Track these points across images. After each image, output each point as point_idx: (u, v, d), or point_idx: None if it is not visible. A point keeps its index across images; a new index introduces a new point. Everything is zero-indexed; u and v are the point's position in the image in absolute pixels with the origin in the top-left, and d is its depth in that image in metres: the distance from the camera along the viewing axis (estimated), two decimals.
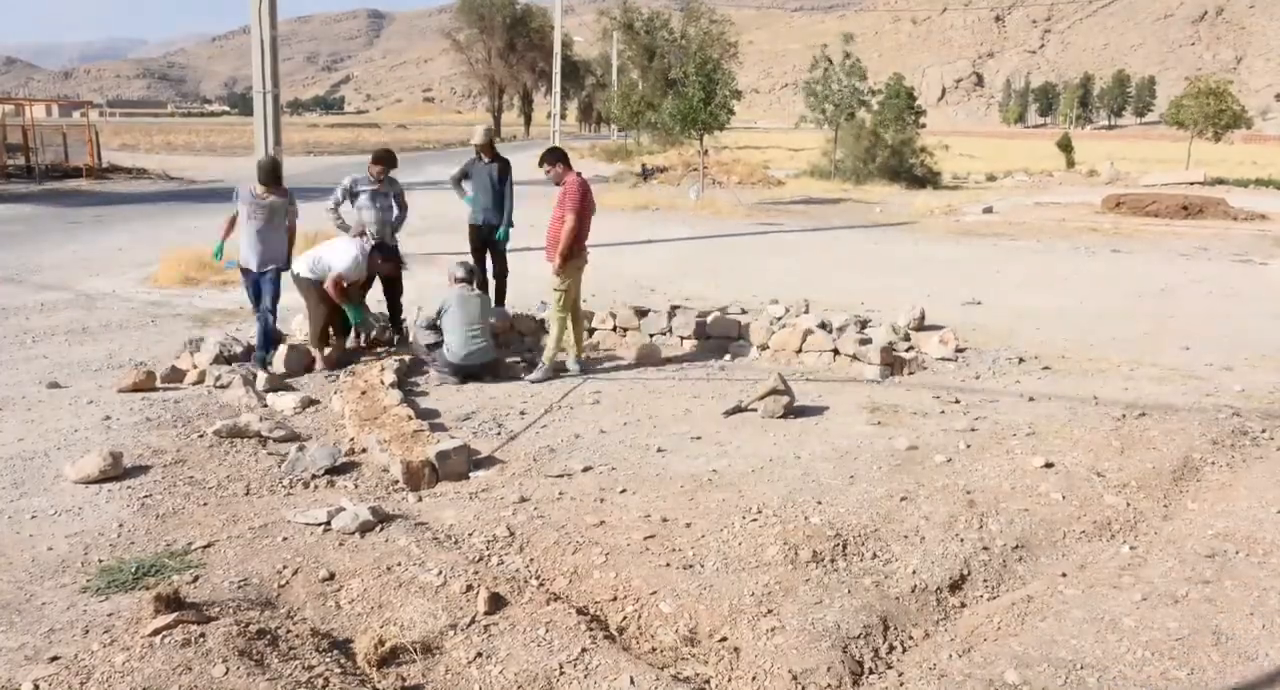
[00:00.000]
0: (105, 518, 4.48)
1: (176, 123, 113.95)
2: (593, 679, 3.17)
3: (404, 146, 56.10)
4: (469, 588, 3.71)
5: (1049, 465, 5.21)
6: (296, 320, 8.43)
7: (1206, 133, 39.99)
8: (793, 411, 6.38)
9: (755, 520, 4.40)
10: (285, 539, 4.24)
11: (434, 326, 7.34)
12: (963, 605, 3.88)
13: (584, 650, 3.31)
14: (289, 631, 3.39)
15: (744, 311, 8.85)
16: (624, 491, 4.85)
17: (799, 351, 7.94)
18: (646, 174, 31.45)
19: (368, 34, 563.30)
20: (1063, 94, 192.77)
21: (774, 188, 28.67)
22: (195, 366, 6.97)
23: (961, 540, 4.29)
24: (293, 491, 4.90)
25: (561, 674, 3.19)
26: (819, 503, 4.68)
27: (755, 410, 6.31)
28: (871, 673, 3.36)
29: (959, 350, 8.08)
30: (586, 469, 5.22)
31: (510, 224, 8.98)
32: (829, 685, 3.23)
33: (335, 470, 5.18)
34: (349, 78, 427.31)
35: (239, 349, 7.48)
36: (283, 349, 7.25)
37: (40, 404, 6.27)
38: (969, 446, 5.67)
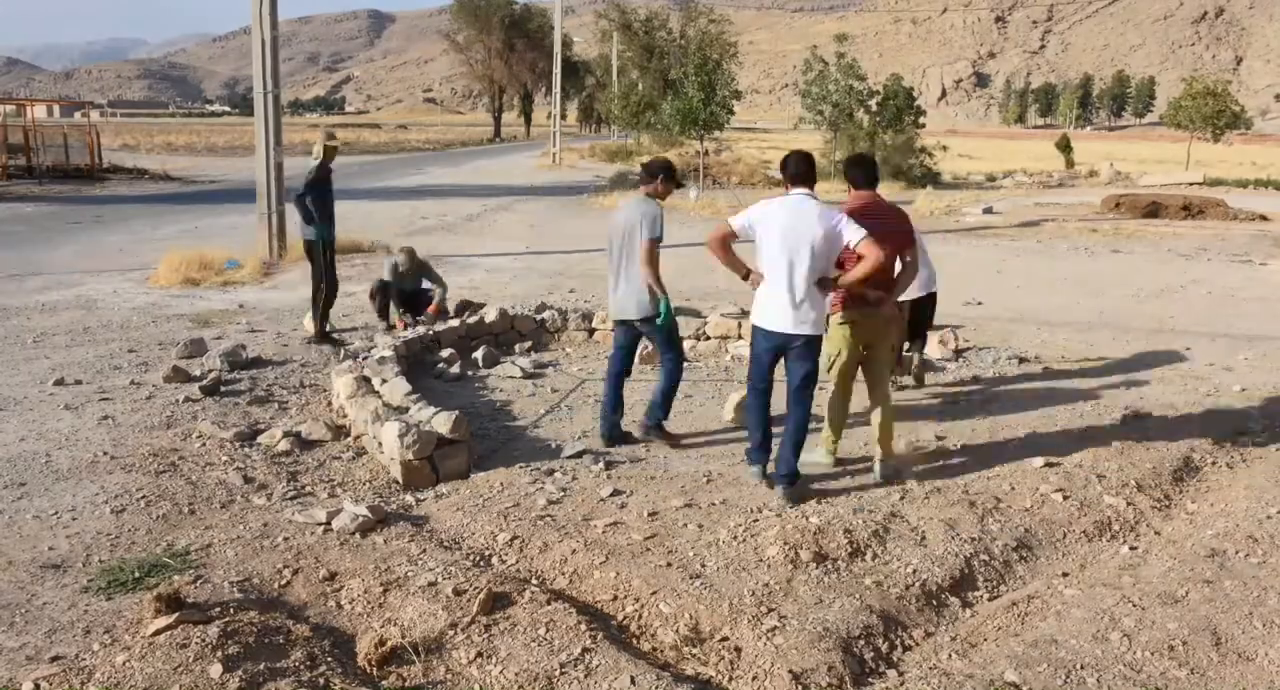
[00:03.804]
0: (106, 517, 4.48)
1: (177, 123, 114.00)
2: (593, 679, 3.17)
3: (404, 147, 56.17)
4: (469, 587, 3.71)
5: (1049, 465, 5.21)
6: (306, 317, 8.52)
7: (1205, 133, 39.98)
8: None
9: (756, 520, 4.41)
10: (286, 539, 4.24)
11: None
12: (963, 605, 3.88)
13: (585, 650, 3.31)
14: (290, 632, 3.39)
15: (744, 312, 8.85)
16: (625, 491, 4.85)
17: None
18: None
19: (368, 34, 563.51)
20: (1062, 95, 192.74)
21: (774, 188, 28.67)
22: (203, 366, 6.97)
23: (962, 540, 4.29)
24: (293, 491, 4.90)
25: (562, 674, 3.19)
26: (819, 503, 4.68)
27: None
28: (872, 673, 3.36)
29: (959, 351, 8.09)
30: (587, 469, 5.23)
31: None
32: (830, 685, 3.23)
33: (335, 470, 5.18)
34: (350, 78, 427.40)
35: (245, 353, 7.50)
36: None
37: (41, 404, 6.27)
38: (969, 446, 5.68)
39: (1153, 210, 20.87)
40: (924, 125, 33.45)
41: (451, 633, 3.43)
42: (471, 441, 5.35)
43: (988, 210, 22.03)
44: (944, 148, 33.41)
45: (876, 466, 5.15)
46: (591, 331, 8.66)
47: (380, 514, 4.46)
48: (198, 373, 7.00)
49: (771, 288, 4.77)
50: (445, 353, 7.75)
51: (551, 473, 5.18)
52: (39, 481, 4.92)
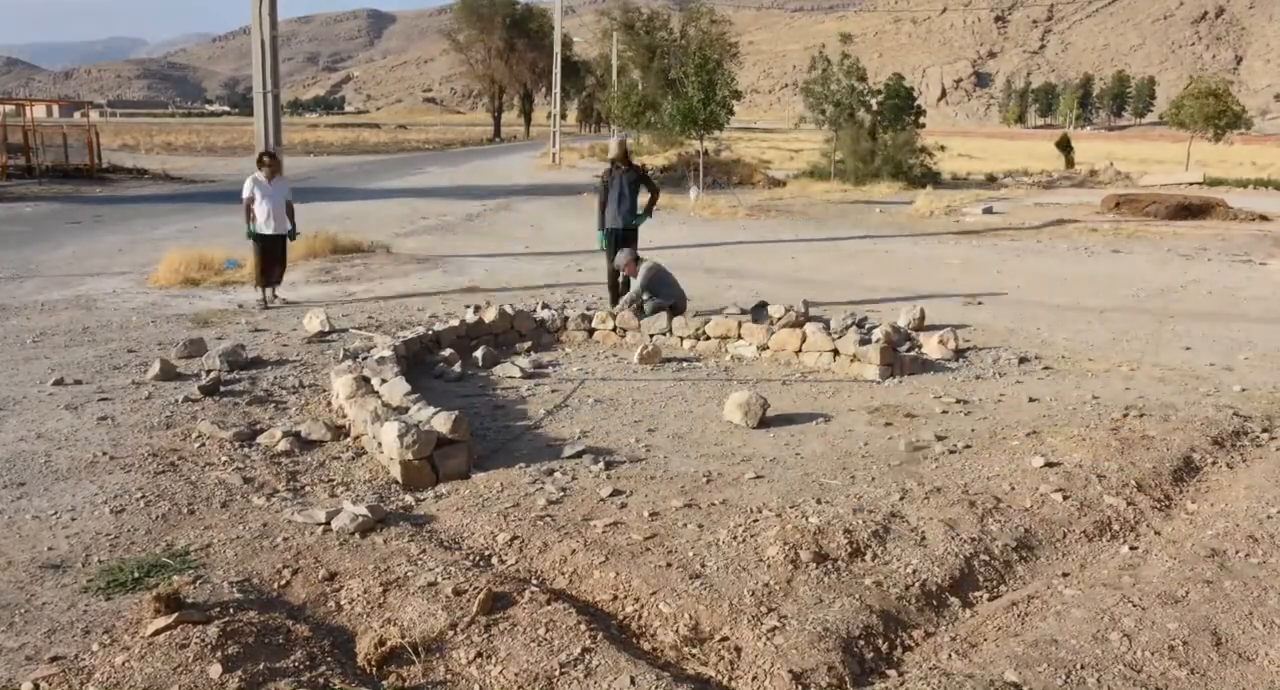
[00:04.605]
0: (105, 518, 4.48)
1: (177, 123, 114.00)
2: (593, 679, 3.16)
3: (404, 147, 56.17)
4: (469, 587, 3.71)
5: (1049, 465, 5.21)
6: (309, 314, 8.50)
7: (1206, 133, 39.92)
8: (787, 418, 6.38)
9: (756, 520, 4.41)
10: (285, 539, 4.24)
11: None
12: (963, 605, 3.88)
13: (585, 650, 3.31)
14: (289, 632, 3.39)
15: (744, 312, 8.86)
16: (625, 491, 4.85)
17: (799, 352, 7.94)
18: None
19: (368, 34, 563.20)
20: (1062, 94, 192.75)
21: (774, 188, 28.68)
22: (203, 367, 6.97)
23: (962, 540, 4.29)
24: (293, 491, 4.90)
25: (562, 674, 3.19)
26: (819, 503, 4.68)
27: None
28: (872, 672, 3.36)
29: (959, 351, 8.09)
30: (587, 469, 5.23)
31: (646, 214, 10.01)
32: (830, 685, 3.22)
33: (335, 470, 5.18)
34: (349, 78, 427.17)
35: (245, 353, 7.50)
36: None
37: (40, 404, 6.27)
38: (969, 446, 5.67)
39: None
40: (924, 125, 33.46)
41: (451, 633, 3.43)
42: (471, 441, 5.35)
43: (988, 210, 22.03)
44: (942, 147, 33.41)
45: None
46: (591, 331, 8.66)
47: (380, 514, 4.46)
48: (197, 372, 7.00)
49: None
50: (445, 353, 7.75)
51: (551, 473, 5.18)
52: (39, 481, 4.92)
